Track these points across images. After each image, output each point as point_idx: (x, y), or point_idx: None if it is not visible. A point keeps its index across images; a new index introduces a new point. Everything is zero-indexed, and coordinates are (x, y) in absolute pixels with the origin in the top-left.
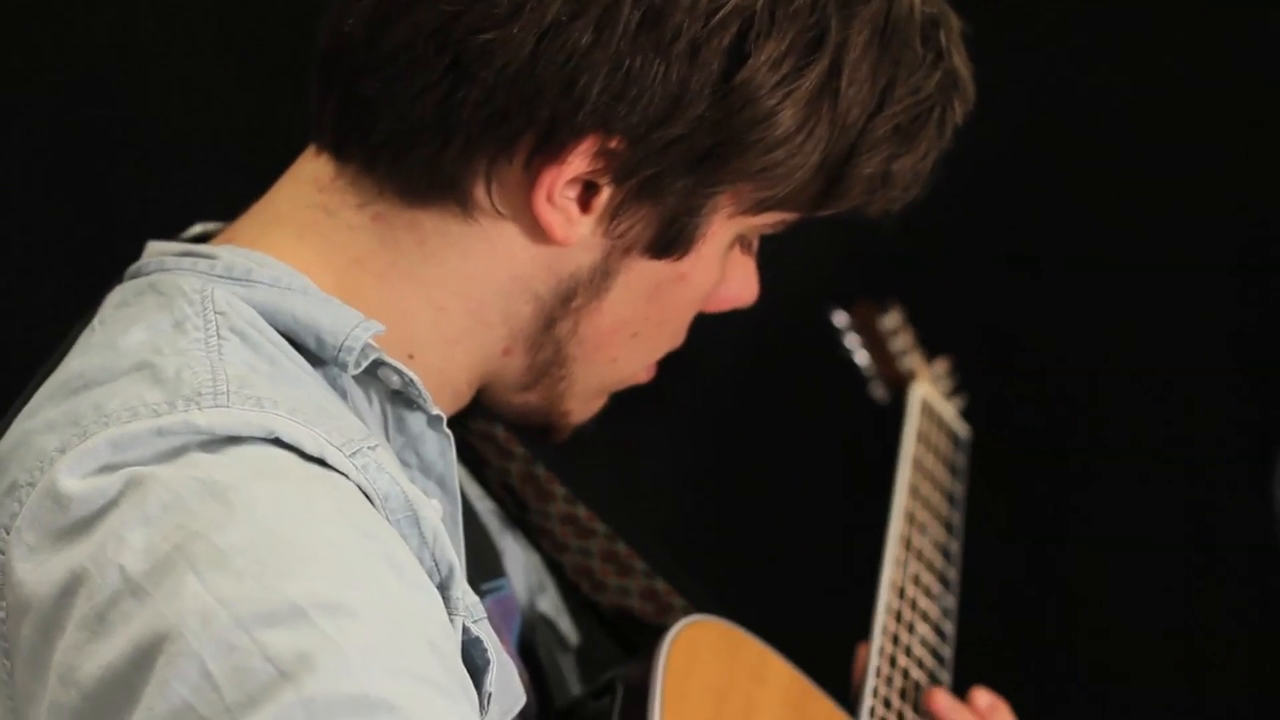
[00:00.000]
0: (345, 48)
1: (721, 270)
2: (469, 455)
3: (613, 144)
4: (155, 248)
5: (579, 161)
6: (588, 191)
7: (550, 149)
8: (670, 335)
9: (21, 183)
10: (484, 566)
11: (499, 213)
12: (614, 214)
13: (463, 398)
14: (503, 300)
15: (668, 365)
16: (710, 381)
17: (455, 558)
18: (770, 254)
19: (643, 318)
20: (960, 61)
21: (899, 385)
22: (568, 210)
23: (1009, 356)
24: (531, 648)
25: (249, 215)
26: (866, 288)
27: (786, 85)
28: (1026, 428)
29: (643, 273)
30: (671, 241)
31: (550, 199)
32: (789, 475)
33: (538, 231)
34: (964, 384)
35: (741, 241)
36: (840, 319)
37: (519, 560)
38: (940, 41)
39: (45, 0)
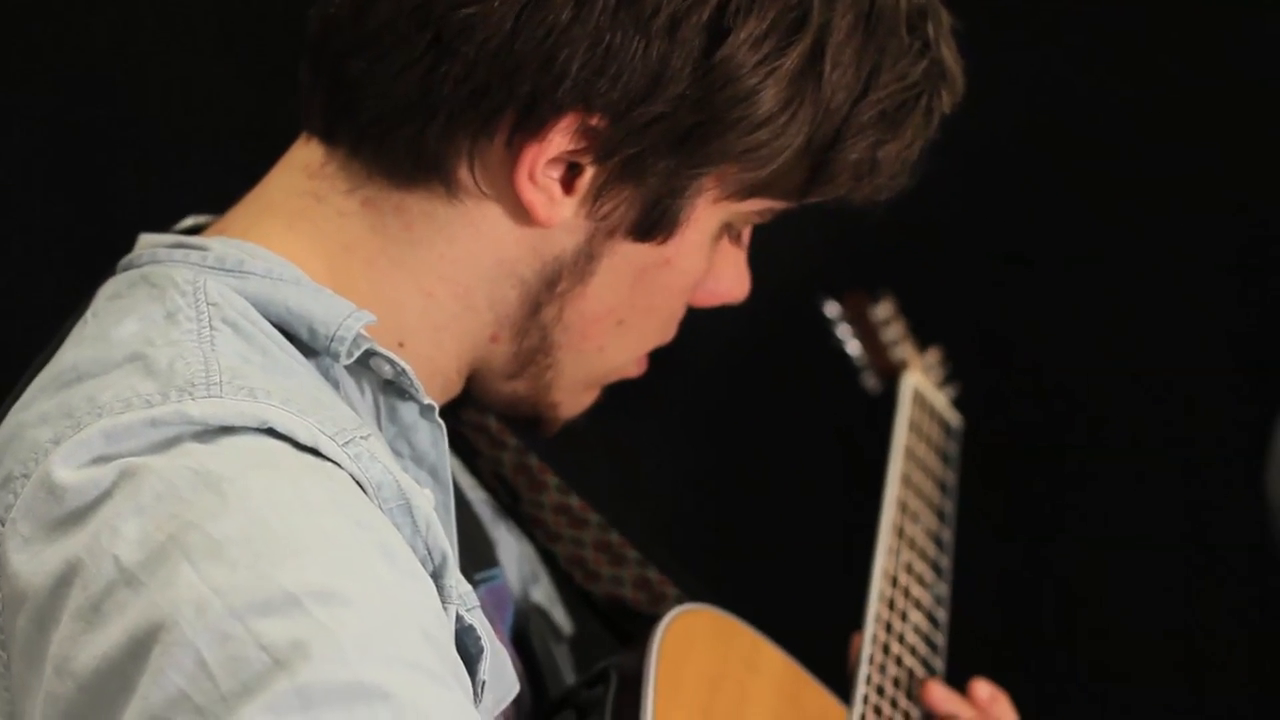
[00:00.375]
0: (332, 30)
1: (708, 259)
2: (461, 445)
3: (594, 121)
4: (147, 240)
5: (560, 139)
6: (570, 172)
7: (531, 126)
8: (658, 326)
9: (21, 183)
10: (477, 556)
11: (483, 193)
12: (597, 195)
13: (453, 386)
14: (489, 285)
15: (659, 356)
16: (701, 372)
17: (448, 546)
18: (761, 244)
19: (628, 304)
20: (949, 53)
21: (891, 375)
22: (550, 190)
23: (1006, 355)
24: (525, 637)
25: (241, 205)
26: (860, 281)
27: (768, 64)
28: (1025, 427)
29: (627, 256)
30: (655, 224)
31: (532, 178)
32: (781, 466)
33: (521, 212)
34: (962, 383)
35: (730, 232)
36: (832, 309)
37: (512, 550)
38: (928, 32)
39: (45, 0)
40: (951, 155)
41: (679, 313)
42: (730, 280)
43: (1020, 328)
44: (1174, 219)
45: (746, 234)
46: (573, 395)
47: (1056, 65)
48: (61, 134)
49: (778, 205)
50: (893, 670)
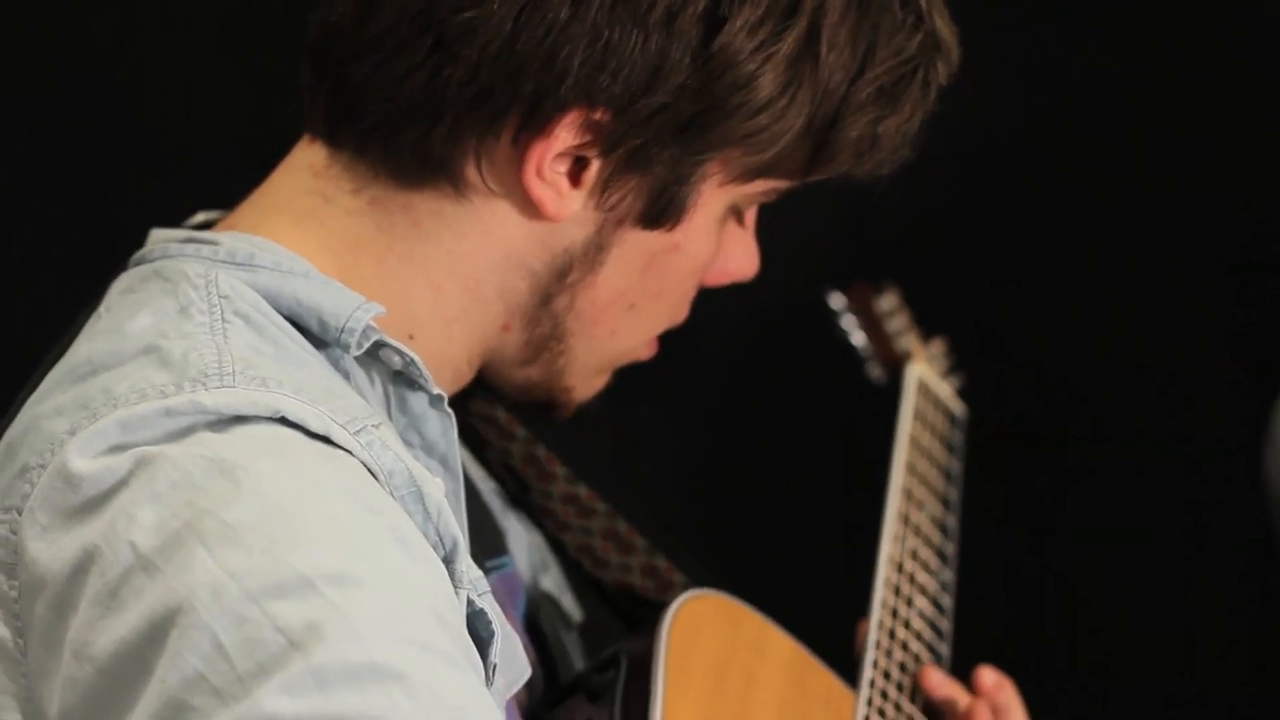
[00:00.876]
0: (334, 36)
1: (717, 241)
2: (470, 437)
3: (597, 116)
4: (159, 235)
5: (565, 135)
6: (577, 165)
7: (536, 123)
8: (669, 309)
9: (21, 183)
10: (488, 545)
11: (491, 191)
12: (604, 186)
13: (463, 377)
14: (498, 278)
15: (665, 345)
16: (707, 364)
17: (459, 532)
18: (767, 236)
19: (639, 290)
20: (942, 24)
21: (896, 365)
22: (558, 185)
23: (1009, 347)
24: (536, 624)
25: (248, 203)
26: (865, 272)
27: (765, 50)
28: (1026, 423)
29: (636, 244)
30: (662, 211)
31: (540, 174)
32: (786, 456)
33: (530, 208)
34: (966, 374)
35: (736, 213)
36: (837, 301)
37: (522, 539)
38: (920, 5)
39: (45, 0)
40: (956, 148)
41: (690, 294)
42: (739, 259)
43: (1023, 320)
44: (1176, 214)
45: (751, 214)
46: (585, 379)
47: (1060, 62)
48: (61, 134)
49: (782, 185)
50: (899, 655)
